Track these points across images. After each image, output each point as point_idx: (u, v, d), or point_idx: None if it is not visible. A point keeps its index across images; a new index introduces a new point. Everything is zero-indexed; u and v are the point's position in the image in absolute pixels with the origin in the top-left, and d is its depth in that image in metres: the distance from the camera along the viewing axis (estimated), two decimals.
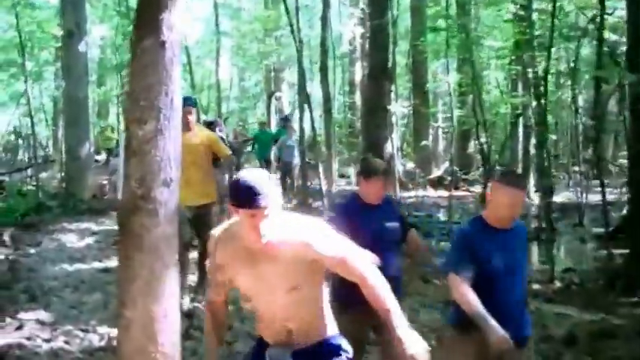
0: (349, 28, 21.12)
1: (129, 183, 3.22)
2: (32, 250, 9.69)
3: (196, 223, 6.54)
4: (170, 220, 3.28)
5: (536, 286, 7.93)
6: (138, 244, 3.23)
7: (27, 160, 22.83)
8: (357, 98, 24.79)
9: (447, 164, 20.97)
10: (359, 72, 24.89)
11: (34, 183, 15.34)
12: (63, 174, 15.94)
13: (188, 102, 6.12)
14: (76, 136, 13.58)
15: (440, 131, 24.84)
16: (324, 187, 10.89)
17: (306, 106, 11.00)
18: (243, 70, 35.82)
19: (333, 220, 3.55)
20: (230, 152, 7.13)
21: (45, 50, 24.53)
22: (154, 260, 3.24)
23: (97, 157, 22.03)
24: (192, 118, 6.47)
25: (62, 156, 19.21)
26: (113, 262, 8.61)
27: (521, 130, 18.41)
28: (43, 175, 17.18)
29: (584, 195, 13.26)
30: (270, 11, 25.52)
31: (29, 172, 18.93)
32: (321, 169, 10.58)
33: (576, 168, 19.85)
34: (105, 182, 16.03)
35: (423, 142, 18.37)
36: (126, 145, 3.29)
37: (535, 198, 16.61)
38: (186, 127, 5.81)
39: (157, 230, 3.22)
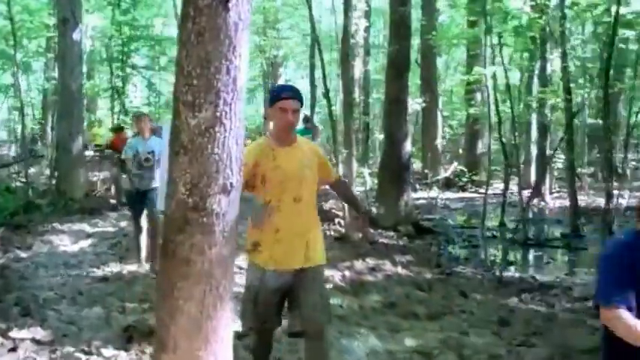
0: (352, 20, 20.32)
1: (175, 189, 2.42)
2: (23, 254, 8.83)
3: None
4: (228, 238, 2.49)
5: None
6: (185, 271, 2.45)
7: (14, 155, 21.83)
8: (357, 95, 24.08)
9: (454, 165, 20.26)
10: (359, 67, 24.25)
11: (23, 179, 14.44)
12: (53, 170, 15.04)
13: (288, 93, 3.58)
14: (68, 129, 12.68)
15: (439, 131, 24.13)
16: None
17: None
18: None
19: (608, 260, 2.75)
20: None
21: (35, 41, 23.67)
22: (205, 291, 2.46)
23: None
24: (294, 119, 3.61)
25: (51, 151, 18.37)
26: (112, 270, 7.82)
27: (534, 129, 17.75)
28: (31, 170, 16.23)
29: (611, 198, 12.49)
30: (271, 2, 24.70)
31: (16, 167, 17.97)
32: (340, 169, 9.74)
33: (582, 170, 19.24)
34: (95, 179, 15.20)
35: (438, 141, 17.59)
36: (172, 139, 2.49)
37: (550, 201, 15.93)
38: (285, 134, 3.61)
39: (212, 252, 2.44)
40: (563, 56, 12.07)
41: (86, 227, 11.10)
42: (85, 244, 9.73)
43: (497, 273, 7.87)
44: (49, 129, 24.51)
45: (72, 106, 12.35)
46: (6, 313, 5.91)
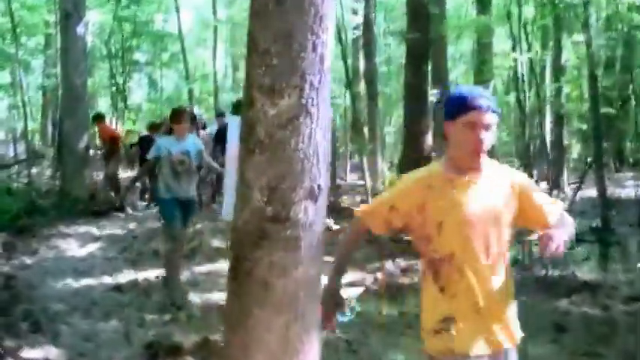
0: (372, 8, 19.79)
1: (248, 195, 1.91)
2: (29, 261, 8.30)
3: None
4: (316, 255, 1.99)
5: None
6: (263, 296, 1.95)
7: (13, 156, 21.26)
8: (362, 88, 23.68)
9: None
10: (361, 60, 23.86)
11: (25, 181, 13.91)
12: (55, 170, 14.51)
13: (482, 102, 2.40)
14: (72, 127, 12.11)
15: None
16: (369, 183, 9.49)
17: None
18: (236, 59, 34.41)
19: None
20: None
21: (34, 38, 23.16)
22: (288, 321, 1.95)
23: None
24: (488, 138, 2.46)
25: (53, 151, 17.85)
26: (126, 277, 7.31)
27: (548, 119, 17.26)
28: (33, 171, 15.68)
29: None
30: None
31: (16, 168, 17.41)
32: (365, 163, 9.23)
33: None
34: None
35: None
36: (244, 134, 1.98)
37: (569, 193, 15.42)
38: (472, 159, 2.47)
39: (297, 272, 1.95)
40: (588, 42, 11.57)
41: (93, 230, 10.58)
42: (93, 247, 9.22)
43: (540, 272, 7.37)
44: (49, 128, 24.02)
45: (76, 103, 11.80)
46: (15, 329, 5.40)
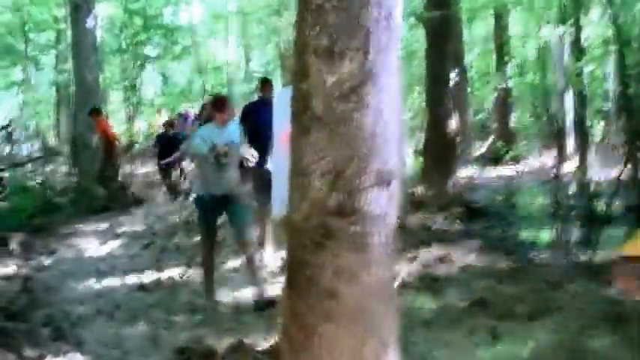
0: None
1: (305, 184, 1.55)
2: (47, 261, 8.03)
3: None
4: (388, 253, 1.63)
5: None
6: (329, 307, 1.60)
7: (27, 153, 21.02)
8: None
9: (490, 140, 19.26)
10: None
11: (40, 178, 13.65)
12: (71, 167, 14.24)
13: None
14: (86, 122, 11.87)
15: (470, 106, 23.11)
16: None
17: None
18: (248, 50, 33.98)
19: None
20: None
21: (44, 34, 22.93)
22: (362, 336, 1.59)
23: None
24: None
25: (67, 147, 17.59)
26: (149, 276, 7.00)
27: (570, 98, 16.69)
28: (47, 169, 15.42)
29: None
30: None
31: (31, 165, 17.14)
32: None
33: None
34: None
35: (480, 116, 16.55)
36: (296, 109, 1.62)
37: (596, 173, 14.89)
38: None
39: (369, 277, 1.59)
40: (615, 17, 11.08)
41: (113, 226, 10.31)
42: (114, 245, 8.93)
43: (584, 257, 6.97)
44: (63, 124, 23.78)
45: (89, 98, 11.53)
46: (35, 336, 5.09)
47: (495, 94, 17.23)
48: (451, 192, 10.43)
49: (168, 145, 11.67)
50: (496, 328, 4.80)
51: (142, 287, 6.51)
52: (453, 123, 10.42)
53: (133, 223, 10.64)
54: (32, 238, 9.31)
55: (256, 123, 6.66)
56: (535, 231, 9.33)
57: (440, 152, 10.49)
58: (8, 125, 23.28)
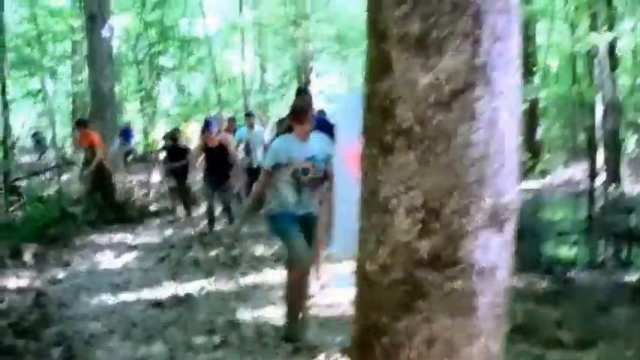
0: None
1: (386, 223, 1.24)
2: (60, 274, 7.75)
3: None
4: (499, 318, 1.31)
5: None
6: None
7: (44, 163, 20.87)
8: None
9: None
10: None
11: (55, 188, 13.43)
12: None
13: None
14: (101, 132, 11.62)
15: None
16: None
17: None
18: (264, 61, 33.82)
19: None
20: None
21: (60, 45, 22.88)
22: None
23: None
24: None
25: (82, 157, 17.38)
26: (166, 291, 6.70)
27: (599, 110, 16.30)
28: (63, 178, 15.19)
29: None
30: None
31: (47, 175, 16.96)
32: None
33: None
34: (134, 185, 14.13)
35: None
36: (372, 121, 1.31)
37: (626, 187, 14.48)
38: None
39: (471, 349, 1.25)
40: None
41: (128, 238, 10.05)
42: (129, 257, 8.65)
43: (629, 278, 6.62)
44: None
45: (104, 108, 11.31)
46: (46, 356, 4.81)
47: (524, 106, 16.88)
48: None
49: (175, 156, 11.00)
50: (542, 357, 4.46)
51: (158, 304, 6.21)
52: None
53: (148, 234, 10.38)
54: (46, 249, 9.09)
55: None
56: (570, 248, 9.01)
57: None
58: (36, 134, 23.22)
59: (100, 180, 11.46)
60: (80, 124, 11.49)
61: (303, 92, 7.37)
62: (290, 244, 4.90)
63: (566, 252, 8.78)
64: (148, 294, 6.62)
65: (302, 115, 4.84)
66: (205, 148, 9.20)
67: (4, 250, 9.01)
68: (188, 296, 6.44)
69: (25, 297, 6.64)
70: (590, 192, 11.10)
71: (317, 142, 4.94)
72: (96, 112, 11.39)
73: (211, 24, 28.45)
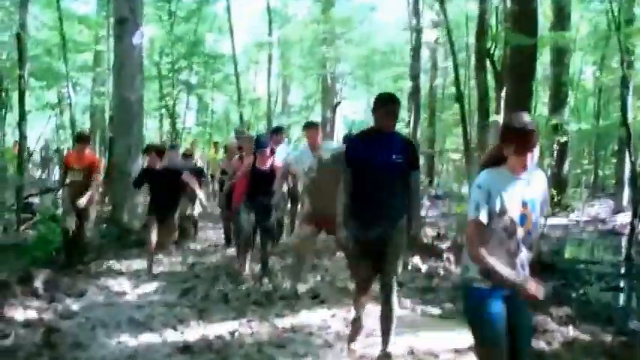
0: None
1: None
2: (74, 306, 6.94)
3: None
4: None
5: None
6: None
7: (58, 178, 20.19)
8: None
9: None
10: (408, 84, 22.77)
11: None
12: (104, 195, 13.24)
13: None
14: (125, 148, 10.74)
15: None
16: None
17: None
18: (287, 83, 33.28)
19: None
20: None
21: (80, 56, 22.34)
22: None
23: None
24: None
25: (103, 173, 16.69)
26: (193, 332, 5.89)
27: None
28: None
29: None
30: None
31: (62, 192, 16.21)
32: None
33: None
34: None
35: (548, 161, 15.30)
36: None
37: None
38: None
39: None
40: None
41: (148, 266, 9.24)
42: (149, 289, 7.82)
43: None
44: (97, 149, 23.05)
45: (131, 121, 10.47)
46: None
47: (557, 140, 16.08)
48: None
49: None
50: None
51: (186, 348, 5.38)
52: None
53: (171, 261, 9.57)
54: (58, 276, 8.30)
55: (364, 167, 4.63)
56: (616, 295, 8.21)
57: None
58: (44, 148, 22.57)
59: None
60: (82, 140, 9.11)
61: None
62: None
63: (616, 299, 7.95)
64: (174, 335, 5.80)
65: (526, 142, 3.21)
66: (253, 171, 8.11)
67: (12, 275, 8.24)
68: (219, 340, 5.61)
69: (35, 332, 5.85)
70: (631, 231, 10.22)
71: (537, 181, 3.46)
72: (120, 126, 10.57)
73: (237, 41, 28.02)
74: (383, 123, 4.50)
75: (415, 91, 20.20)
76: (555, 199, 15.99)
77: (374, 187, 4.51)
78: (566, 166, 18.65)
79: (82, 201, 8.75)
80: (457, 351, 5.22)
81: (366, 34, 26.48)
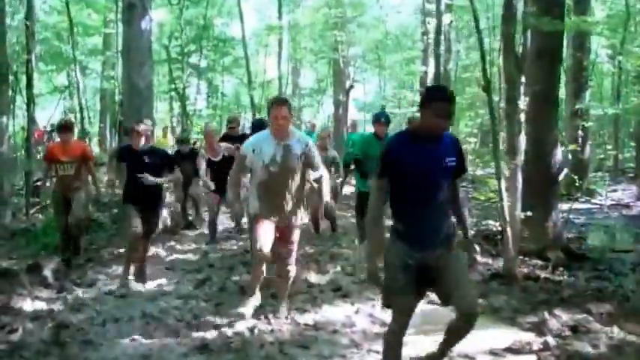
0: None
1: None
2: (84, 296, 6.69)
3: None
4: None
5: None
6: None
7: None
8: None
9: (564, 172, 17.50)
10: (432, 70, 22.25)
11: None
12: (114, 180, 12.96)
13: None
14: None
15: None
16: (509, 228, 7.12)
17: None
18: (297, 66, 32.86)
19: None
20: None
21: (90, 39, 22.05)
22: None
23: None
24: None
25: (112, 158, 16.44)
26: (210, 327, 5.60)
27: None
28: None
29: None
30: None
31: None
32: (503, 184, 7.26)
33: None
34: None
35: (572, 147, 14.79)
36: None
37: None
38: None
39: None
40: None
41: (160, 252, 8.98)
42: (162, 279, 7.54)
43: None
44: (107, 133, 22.83)
45: (140, 107, 10.12)
46: None
47: (581, 125, 15.65)
48: (551, 233, 8.90)
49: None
50: None
51: (204, 347, 5.08)
52: (558, 154, 8.95)
53: (184, 248, 9.30)
54: (68, 264, 8.06)
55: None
56: None
57: (540, 187, 8.96)
58: (52, 131, 22.30)
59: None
60: (66, 129, 8.14)
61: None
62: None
63: None
64: (190, 332, 5.49)
65: None
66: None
67: (21, 263, 8.00)
68: (238, 337, 5.30)
69: (43, 326, 5.59)
70: None
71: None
72: (130, 111, 10.25)
73: (247, 25, 27.60)
74: (433, 122, 3.69)
75: (436, 77, 19.86)
76: (577, 184, 15.57)
77: (420, 199, 3.82)
78: (587, 151, 18.17)
79: (82, 195, 8.18)
80: (493, 353, 4.91)
81: (377, 17, 26.01)
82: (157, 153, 7.49)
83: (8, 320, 5.75)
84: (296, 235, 5.77)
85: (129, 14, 10.49)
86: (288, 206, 5.59)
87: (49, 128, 20.31)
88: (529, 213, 7.91)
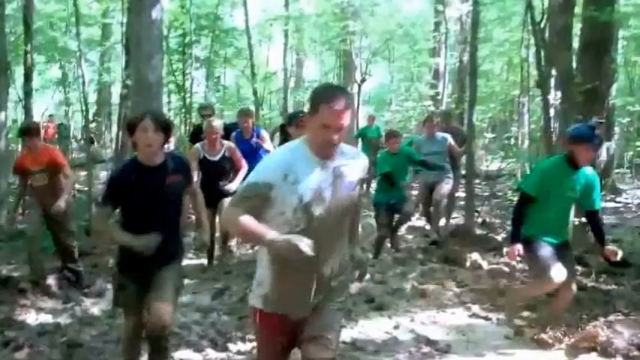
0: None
1: None
2: (94, 309, 6.10)
3: None
4: None
5: None
6: None
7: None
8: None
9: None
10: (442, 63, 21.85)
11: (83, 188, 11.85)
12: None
13: None
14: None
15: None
16: None
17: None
18: (301, 57, 32.22)
19: None
20: None
21: (87, 30, 21.34)
22: None
23: None
24: None
25: (112, 153, 15.90)
26: (233, 343, 5.03)
27: None
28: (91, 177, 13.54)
29: None
30: None
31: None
32: None
33: None
34: None
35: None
36: None
37: None
38: None
39: None
40: None
41: None
42: None
43: None
44: (104, 127, 22.22)
45: (149, 101, 9.44)
46: None
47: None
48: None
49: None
50: None
51: None
52: (604, 151, 8.42)
53: (197, 253, 8.67)
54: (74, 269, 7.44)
55: None
56: None
57: None
58: (61, 124, 21.61)
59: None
60: (29, 132, 6.85)
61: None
62: None
63: None
64: (213, 353, 4.91)
65: None
66: None
67: (21, 269, 7.40)
68: None
69: (52, 342, 5.03)
70: None
71: None
72: (138, 106, 9.61)
73: (251, 15, 26.93)
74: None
75: (460, 70, 19.47)
76: (602, 182, 14.86)
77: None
78: (612, 146, 17.52)
79: (60, 205, 6.71)
80: None
81: (387, 8, 25.39)
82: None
83: (13, 335, 5.25)
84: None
85: (138, 3, 9.85)
86: (328, 284, 3.08)
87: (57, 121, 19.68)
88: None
